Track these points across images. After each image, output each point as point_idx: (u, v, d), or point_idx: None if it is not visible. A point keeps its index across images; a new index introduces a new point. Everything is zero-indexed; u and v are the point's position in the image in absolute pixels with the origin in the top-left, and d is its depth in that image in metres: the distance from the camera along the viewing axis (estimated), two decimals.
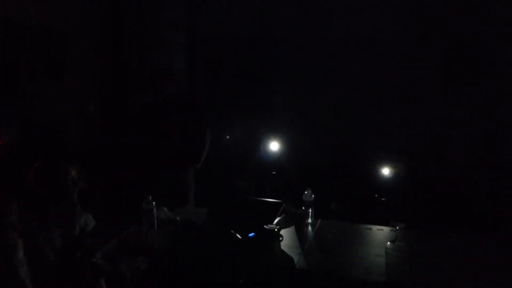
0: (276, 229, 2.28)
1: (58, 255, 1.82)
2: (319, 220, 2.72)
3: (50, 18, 3.83)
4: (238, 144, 4.78)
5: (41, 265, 1.73)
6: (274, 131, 4.40)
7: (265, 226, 2.28)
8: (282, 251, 2.23)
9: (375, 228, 2.62)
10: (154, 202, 2.50)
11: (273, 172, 4.35)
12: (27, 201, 1.81)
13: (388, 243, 2.29)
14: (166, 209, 2.67)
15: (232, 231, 2.29)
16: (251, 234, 2.30)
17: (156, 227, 2.50)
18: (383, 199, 3.88)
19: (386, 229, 2.59)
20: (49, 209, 1.88)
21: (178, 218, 2.63)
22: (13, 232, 1.64)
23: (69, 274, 1.83)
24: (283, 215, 2.69)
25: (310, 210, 2.65)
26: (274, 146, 4.27)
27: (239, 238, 2.26)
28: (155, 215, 2.51)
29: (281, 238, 2.31)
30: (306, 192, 2.65)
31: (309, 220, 2.65)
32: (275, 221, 2.54)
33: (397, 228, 2.33)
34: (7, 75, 3.47)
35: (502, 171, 3.96)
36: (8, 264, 1.61)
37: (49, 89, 3.88)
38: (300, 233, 2.53)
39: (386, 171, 3.90)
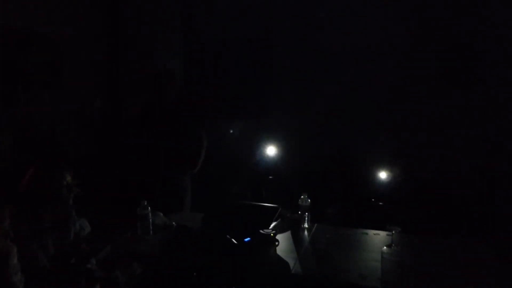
0: (272, 234, 2.28)
1: (52, 262, 1.80)
2: (315, 224, 2.72)
3: (46, 23, 3.83)
4: (234, 148, 4.78)
5: (35, 272, 1.72)
6: (271, 136, 4.40)
7: (261, 231, 2.28)
8: (278, 256, 2.23)
9: (371, 232, 2.63)
10: (149, 207, 2.49)
11: (270, 177, 4.35)
12: (21, 207, 1.79)
13: (384, 247, 2.29)
14: (161, 214, 2.66)
15: (228, 236, 2.29)
16: (247, 239, 2.30)
17: (151, 232, 2.50)
18: (380, 203, 3.88)
19: (382, 233, 2.59)
20: (44, 215, 1.87)
21: (173, 223, 2.63)
22: (6, 239, 1.63)
23: (64, 281, 1.82)
24: (279, 219, 2.69)
25: (306, 215, 2.65)
26: (270, 150, 4.27)
27: (235, 243, 2.25)
28: (151, 220, 2.50)
29: (277, 243, 2.31)
30: (302, 196, 2.65)
31: (305, 225, 2.65)
32: (271, 225, 2.54)
33: (393, 232, 2.32)
34: (3, 80, 3.46)
35: (498, 174, 3.97)
36: (2, 271, 1.60)
37: (45, 95, 3.87)
38: (296, 238, 2.52)
39: (382, 175, 3.90)
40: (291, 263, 2.15)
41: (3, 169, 2.80)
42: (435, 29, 4.13)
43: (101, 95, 4.51)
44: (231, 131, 4.83)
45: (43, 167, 1.94)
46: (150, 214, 2.49)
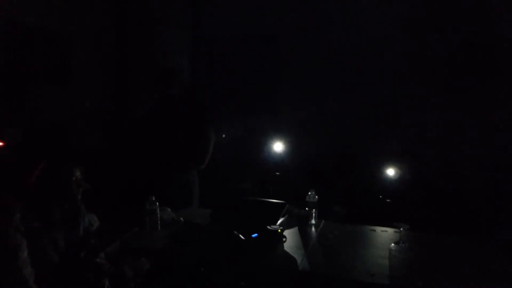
0: (279, 230, 2.28)
1: (61, 256, 1.82)
2: (323, 221, 2.72)
3: (54, 20, 3.85)
4: (242, 144, 4.78)
5: (45, 266, 1.74)
6: (278, 132, 4.40)
7: (269, 227, 2.28)
8: (285, 252, 2.23)
9: (379, 229, 2.62)
10: (157, 203, 2.50)
11: (277, 173, 4.34)
12: (31, 201, 1.81)
13: (392, 244, 2.28)
14: (169, 210, 2.67)
15: (235, 231, 2.29)
16: (255, 235, 2.30)
17: (159, 227, 2.51)
18: (387, 200, 3.86)
19: (390, 230, 2.58)
20: (53, 209, 1.88)
21: (181, 218, 2.64)
22: (16, 233, 1.65)
23: (73, 275, 1.83)
24: (286, 215, 2.69)
25: (314, 211, 2.65)
26: (278, 147, 4.26)
27: (242, 238, 2.26)
28: (159, 215, 2.51)
29: (284, 239, 2.31)
30: (309, 193, 2.65)
31: (313, 221, 2.65)
32: (279, 221, 2.54)
33: (401, 229, 2.31)
34: (12, 76, 3.49)
35: (505, 173, 3.94)
36: (12, 265, 1.61)
37: (54, 91, 3.90)
38: (304, 234, 2.52)
39: (390, 172, 3.88)
40: (298, 259, 2.15)
41: (13, 164, 2.83)
42: (442, 28, 4.11)
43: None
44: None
45: (52, 162, 1.96)
46: (158, 210, 2.50)
